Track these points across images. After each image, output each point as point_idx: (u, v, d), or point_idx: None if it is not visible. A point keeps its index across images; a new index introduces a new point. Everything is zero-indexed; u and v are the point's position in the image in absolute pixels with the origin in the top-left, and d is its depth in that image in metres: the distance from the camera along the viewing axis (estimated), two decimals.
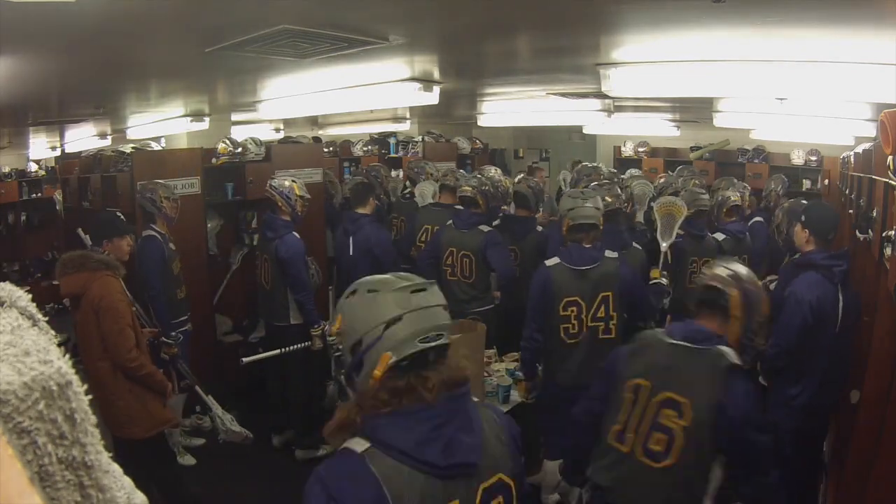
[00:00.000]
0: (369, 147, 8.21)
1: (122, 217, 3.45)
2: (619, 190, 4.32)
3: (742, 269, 2.00)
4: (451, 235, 4.16)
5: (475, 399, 1.32)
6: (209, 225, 5.05)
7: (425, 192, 5.23)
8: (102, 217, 3.46)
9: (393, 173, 6.73)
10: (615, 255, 3.16)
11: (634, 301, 3.16)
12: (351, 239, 4.34)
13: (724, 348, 1.86)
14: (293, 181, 4.11)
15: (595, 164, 5.25)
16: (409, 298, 1.23)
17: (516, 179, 5.29)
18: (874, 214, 2.62)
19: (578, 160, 7.11)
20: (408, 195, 5.56)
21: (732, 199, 4.60)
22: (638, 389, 1.91)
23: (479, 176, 4.74)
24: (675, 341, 1.92)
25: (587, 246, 3.08)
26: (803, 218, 2.89)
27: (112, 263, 2.94)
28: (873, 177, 2.83)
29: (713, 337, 1.88)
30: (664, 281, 3.87)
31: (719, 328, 1.91)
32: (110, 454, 0.52)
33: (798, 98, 3.67)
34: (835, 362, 2.76)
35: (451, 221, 4.23)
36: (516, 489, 1.33)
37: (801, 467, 2.84)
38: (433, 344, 1.23)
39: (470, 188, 4.25)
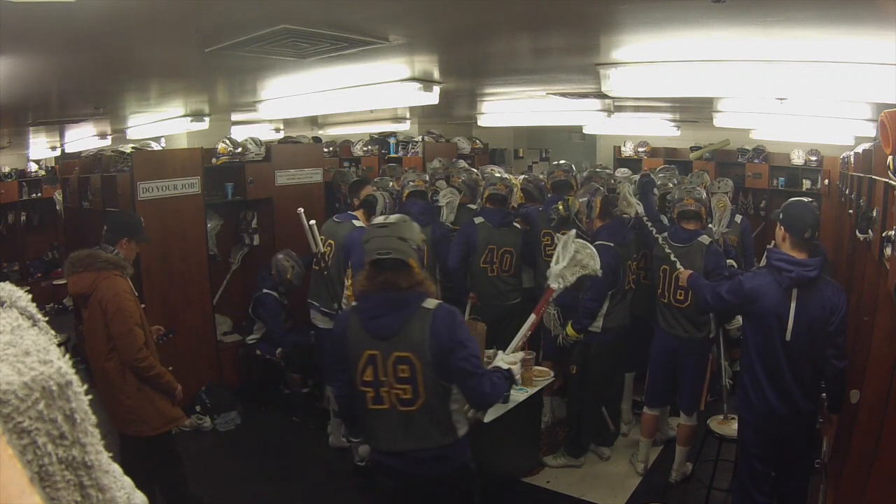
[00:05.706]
0: (369, 147, 8.18)
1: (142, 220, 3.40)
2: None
3: (703, 195, 3.76)
4: (489, 234, 4.22)
5: (430, 305, 2.08)
6: (209, 225, 5.05)
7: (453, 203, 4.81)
8: (125, 216, 3.38)
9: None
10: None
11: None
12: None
13: (703, 237, 3.58)
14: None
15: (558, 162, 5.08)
16: (372, 230, 2.19)
17: (520, 178, 5.42)
18: (874, 214, 2.61)
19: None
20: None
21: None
22: (666, 269, 3.62)
23: (503, 175, 4.98)
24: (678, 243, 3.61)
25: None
26: (781, 215, 2.74)
27: (120, 263, 2.92)
28: (873, 177, 2.83)
29: (695, 232, 3.60)
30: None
31: (696, 226, 3.63)
32: (111, 454, 0.52)
33: (798, 98, 3.67)
34: (792, 374, 2.69)
35: (482, 220, 4.27)
36: (421, 364, 2.04)
37: (765, 469, 2.84)
38: (384, 257, 2.09)
39: (504, 187, 4.37)
